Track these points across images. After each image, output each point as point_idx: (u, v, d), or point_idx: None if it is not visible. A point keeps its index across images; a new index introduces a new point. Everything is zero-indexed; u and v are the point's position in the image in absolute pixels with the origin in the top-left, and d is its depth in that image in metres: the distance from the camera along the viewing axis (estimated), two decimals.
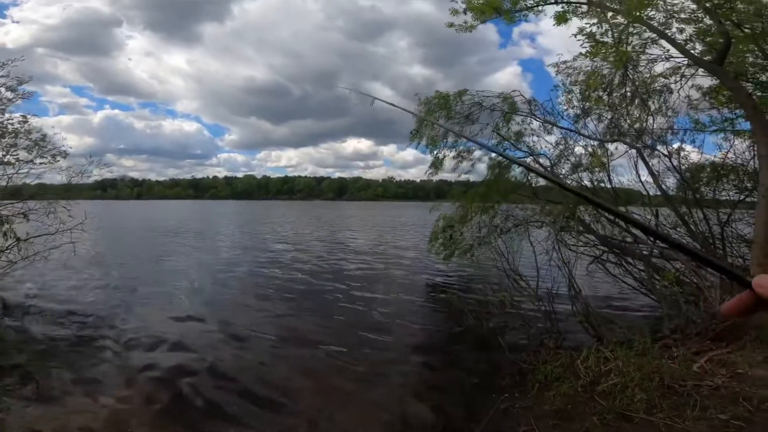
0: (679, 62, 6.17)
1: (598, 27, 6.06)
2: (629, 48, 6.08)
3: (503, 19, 6.38)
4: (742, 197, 6.14)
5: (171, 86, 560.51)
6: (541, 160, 7.07)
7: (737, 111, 6.09)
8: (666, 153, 6.35)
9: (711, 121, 6.52)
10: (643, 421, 2.75)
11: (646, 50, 6.26)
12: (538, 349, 4.40)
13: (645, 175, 6.39)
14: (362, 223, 32.18)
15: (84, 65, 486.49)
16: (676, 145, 6.46)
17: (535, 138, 7.15)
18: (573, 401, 3.18)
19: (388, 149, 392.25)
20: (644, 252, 5.93)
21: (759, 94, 5.75)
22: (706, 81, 6.26)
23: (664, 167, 6.36)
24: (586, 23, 6.13)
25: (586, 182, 6.69)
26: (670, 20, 5.53)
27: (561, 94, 7.10)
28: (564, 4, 6.10)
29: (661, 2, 5.32)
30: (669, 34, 5.51)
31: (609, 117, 6.71)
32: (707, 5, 4.83)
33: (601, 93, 6.62)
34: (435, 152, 7.58)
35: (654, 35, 5.72)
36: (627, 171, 6.68)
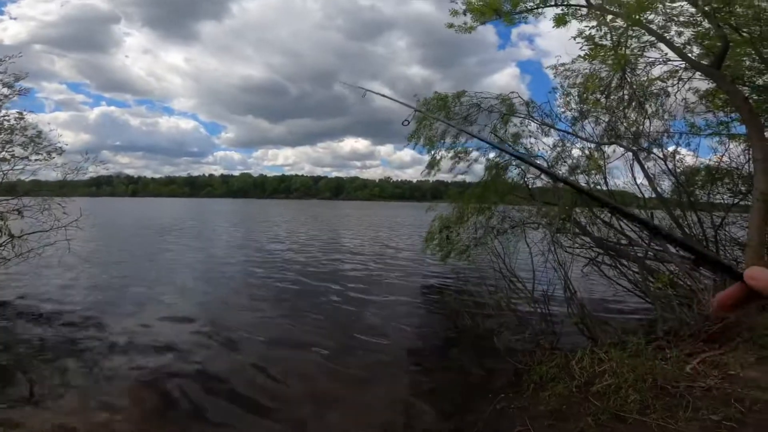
0: (676, 65, 6.22)
1: (597, 30, 6.09)
2: (628, 51, 6.11)
3: (503, 20, 6.40)
4: (736, 201, 6.19)
5: (168, 84, 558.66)
6: (538, 162, 7.09)
7: (733, 114, 6.15)
8: (662, 156, 6.39)
9: (706, 124, 6.58)
10: (637, 422, 2.76)
11: (645, 53, 6.30)
12: (534, 350, 4.41)
13: (641, 178, 6.44)
14: (358, 223, 32.15)
15: (81, 62, 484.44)
16: (671, 148, 6.52)
17: (532, 140, 7.18)
18: (568, 401, 3.20)
19: (386, 149, 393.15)
20: (639, 254, 5.96)
21: (755, 97, 5.80)
22: (703, 84, 6.32)
23: (659, 170, 6.41)
24: (585, 26, 6.16)
25: (583, 184, 6.71)
26: (669, 23, 5.57)
27: (559, 96, 7.14)
28: (564, 7, 6.12)
29: (661, 6, 5.36)
30: (667, 37, 5.55)
31: (606, 120, 6.74)
32: (706, 9, 4.87)
33: (599, 95, 6.65)
34: (432, 152, 7.60)
35: (652, 38, 5.76)
36: (623, 173, 6.73)
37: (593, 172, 6.54)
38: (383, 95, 1.90)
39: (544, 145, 7.12)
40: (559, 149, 6.94)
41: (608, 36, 6.09)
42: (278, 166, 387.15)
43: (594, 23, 6.09)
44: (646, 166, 6.33)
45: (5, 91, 6.24)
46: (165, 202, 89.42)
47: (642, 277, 5.62)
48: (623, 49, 6.06)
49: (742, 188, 6.12)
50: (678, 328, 4.15)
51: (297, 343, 5.54)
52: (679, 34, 5.64)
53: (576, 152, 6.85)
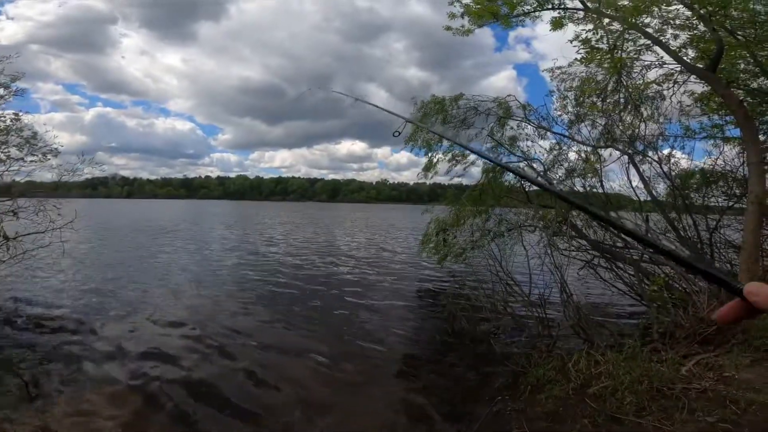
0: (672, 69, 6.27)
1: (593, 33, 6.13)
2: (624, 54, 6.15)
3: (500, 24, 6.44)
4: (731, 203, 6.23)
5: (165, 85, 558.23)
6: (534, 165, 7.13)
7: (727, 118, 6.19)
8: (657, 159, 6.43)
9: (701, 127, 6.63)
10: (633, 424, 2.77)
11: (640, 57, 6.34)
12: (530, 353, 4.41)
13: (636, 181, 6.48)
14: (354, 226, 32.12)
15: (77, 63, 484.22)
16: (666, 151, 6.56)
17: (529, 143, 7.22)
18: (564, 404, 3.20)
19: (382, 151, 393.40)
20: (634, 257, 5.99)
21: (750, 101, 5.84)
22: (698, 87, 6.37)
23: (654, 173, 6.44)
24: (582, 29, 6.21)
25: (579, 188, 6.76)
26: (665, 27, 5.61)
27: (555, 100, 7.18)
28: (560, 10, 6.16)
29: (656, 9, 5.40)
30: (663, 40, 5.59)
31: (602, 123, 6.79)
32: (702, 12, 4.91)
33: (595, 99, 6.69)
34: (429, 155, 7.62)
35: (648, 42, 5.80)
36: (618, 176, 6.77)
37: (589, 175, 6.57)
38: (375, 105, 1.90)
39: (540, 148, 7.17)
40: (555, 152, 6.98)
41: (604, 39, 6.14)
42: (275, 168, 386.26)
43: (590, 26, 6.14)
44: (641, 169, 6.38)
45: (1, 91, 6.18)
46: (161, 203, 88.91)
47: (637, 280, 5.64)
48: (619, 52, 6.11)
49: (737, 191, 6.16)
50: (673, 331, 4.16)
51: (290, 347, 5.48)
52: (675, 37, 5.69)
53: (572, 155, 6.90)
